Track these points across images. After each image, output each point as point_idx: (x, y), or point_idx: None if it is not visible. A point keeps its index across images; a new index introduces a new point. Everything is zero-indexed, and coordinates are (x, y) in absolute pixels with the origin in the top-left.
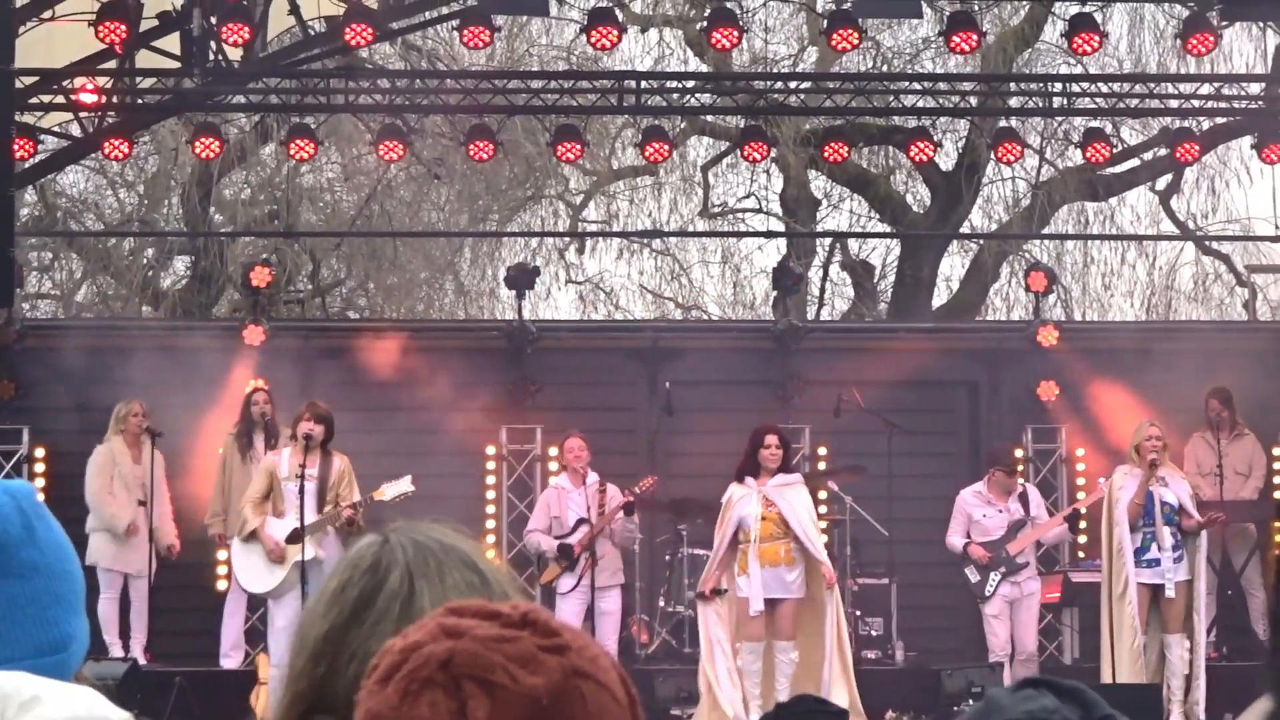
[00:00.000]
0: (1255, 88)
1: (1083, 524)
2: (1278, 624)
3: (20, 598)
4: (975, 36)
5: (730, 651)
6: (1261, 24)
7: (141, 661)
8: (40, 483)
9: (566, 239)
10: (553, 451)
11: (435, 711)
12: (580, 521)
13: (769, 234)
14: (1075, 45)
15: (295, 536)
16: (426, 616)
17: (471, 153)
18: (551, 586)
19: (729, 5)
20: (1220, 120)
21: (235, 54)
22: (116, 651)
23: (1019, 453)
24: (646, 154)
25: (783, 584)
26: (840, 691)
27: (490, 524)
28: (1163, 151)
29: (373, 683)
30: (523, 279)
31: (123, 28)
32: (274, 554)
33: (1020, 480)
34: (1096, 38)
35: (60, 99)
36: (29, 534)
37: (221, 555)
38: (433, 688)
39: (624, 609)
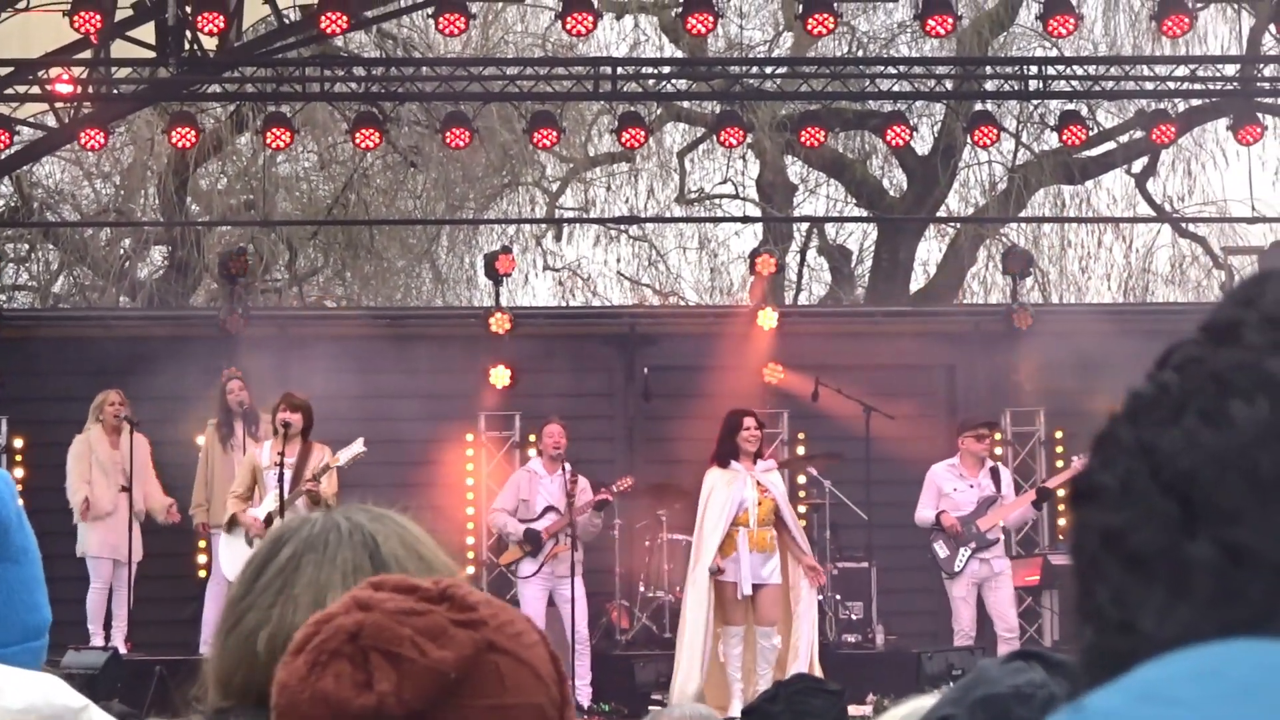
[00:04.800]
0: (1231, 69)
1: (1056, 504)
2: (1078, 609)
3: (15, 581)
4: (950, 20)
5: (708, 634)
6: (1236, 5)
7: (122, 650)
8: (20, 473)
9: (543, 225)
10: (531, 438)
11: (340, 683)
12: (548, 509)
13: (745, 219)
14: (1051, 28)
15: (271, 521)
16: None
17: (448, 140)
18: (512, 569)
19: None
20: (1196, 102)
21: (210, 43)
22: (98, 640)
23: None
24: (623, 140)
25: (763, 571)
26: None
27: (470, 510)
28: (1139, 134)
29: (288, 654)
30: (499, 265)
31: (98, 18)
32: (254, 531)
33: (991, 459)
34: (1072, 20)
35: (36, 89)
36: (19, 519)
37: (203, 544)
38: (340, 659)
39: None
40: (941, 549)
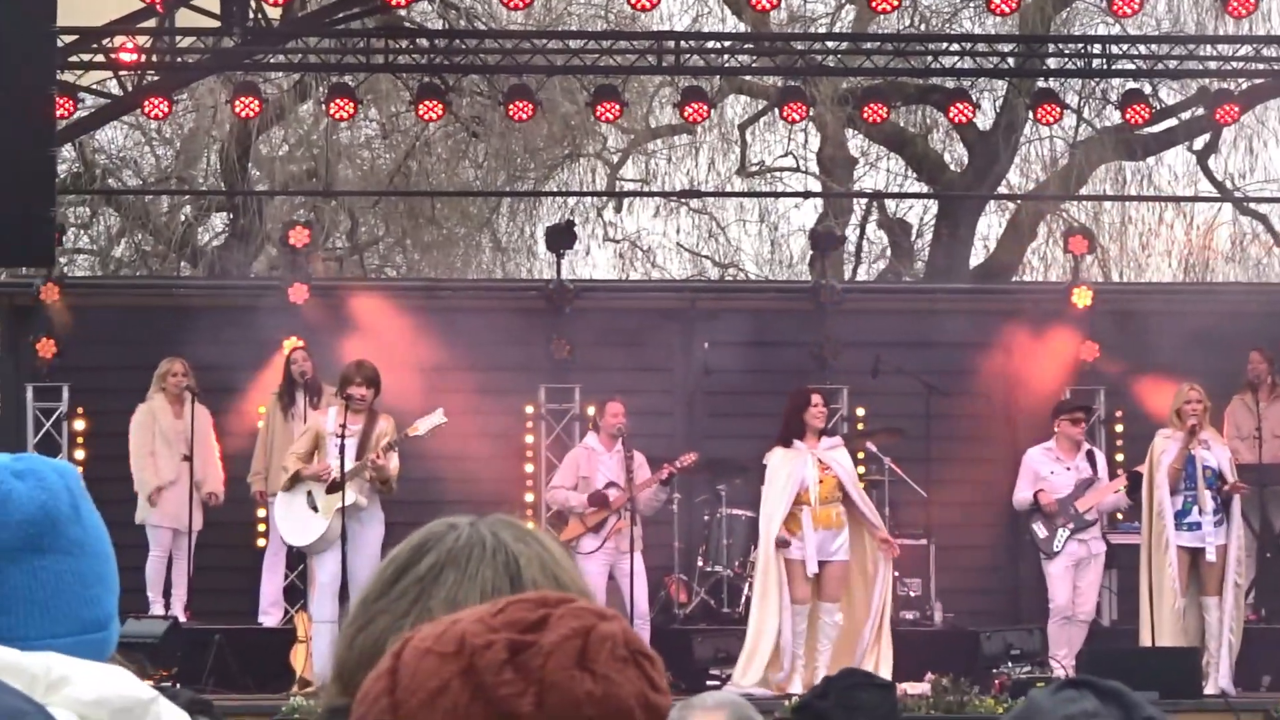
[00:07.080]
0: None
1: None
2: None
3: (68, 574)
4: None
5: (784, 614)
6: None
7: (181, 619)
8: (80, 440)
9: (604, 198)
10: (590, 411)
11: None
12: (609, 485)
13: (806, 194)
14: (1115, 6)
15: (334, 487)
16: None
17: (511, 113)
18: (573, 545)
19: None
20: (1259, 80)
21: (275, 13)
22: (157, 609)
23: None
24: (685, 114)
25: (831, 547)
26: (874, 657)
27: (529, 483)
28: (1200, 111)
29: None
30: (561, 239)
31: None
32: (325, 477)
33: (1087, 443)
34: None
35: (100, 57)
36: (75, 512)
37: (262, 514)
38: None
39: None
40: (1040, 529)
